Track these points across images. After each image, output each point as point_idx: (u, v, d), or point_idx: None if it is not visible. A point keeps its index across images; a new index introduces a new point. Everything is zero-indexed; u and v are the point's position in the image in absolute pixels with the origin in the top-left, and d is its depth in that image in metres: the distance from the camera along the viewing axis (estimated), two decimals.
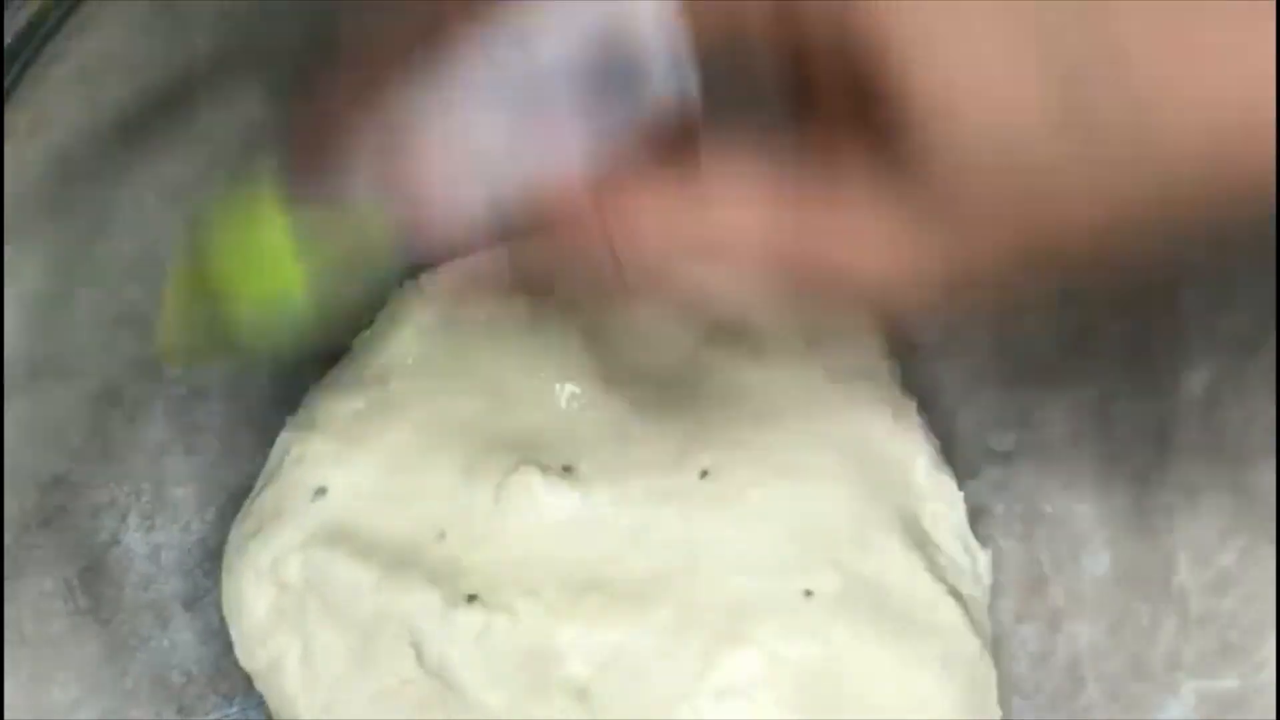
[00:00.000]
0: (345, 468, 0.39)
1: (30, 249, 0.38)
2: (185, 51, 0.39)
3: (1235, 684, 0.36)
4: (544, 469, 0.38)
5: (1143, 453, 0.39)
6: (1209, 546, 0.38)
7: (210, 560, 0.41)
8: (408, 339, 0.41)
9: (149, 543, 0.40)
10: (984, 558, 0.41)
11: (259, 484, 0.41)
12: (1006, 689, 0.40)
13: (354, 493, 0.39)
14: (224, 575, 0.40)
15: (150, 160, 0.40)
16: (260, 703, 0.39)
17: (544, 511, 0.38)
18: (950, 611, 0.38)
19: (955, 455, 0.42)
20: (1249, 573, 0.37)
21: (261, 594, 0.38)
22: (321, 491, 0.39)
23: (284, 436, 0.42)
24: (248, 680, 0.39)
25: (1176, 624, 0.38)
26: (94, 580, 0.39)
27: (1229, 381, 0.38)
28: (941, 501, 0.41)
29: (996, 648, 0.40)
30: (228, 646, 0.39)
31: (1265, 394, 0.37)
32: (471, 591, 0.38)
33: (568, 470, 0.39)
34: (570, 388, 0.40)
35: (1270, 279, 0.37)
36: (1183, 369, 0.39)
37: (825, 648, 0.37)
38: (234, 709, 0.40)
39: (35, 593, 0.38)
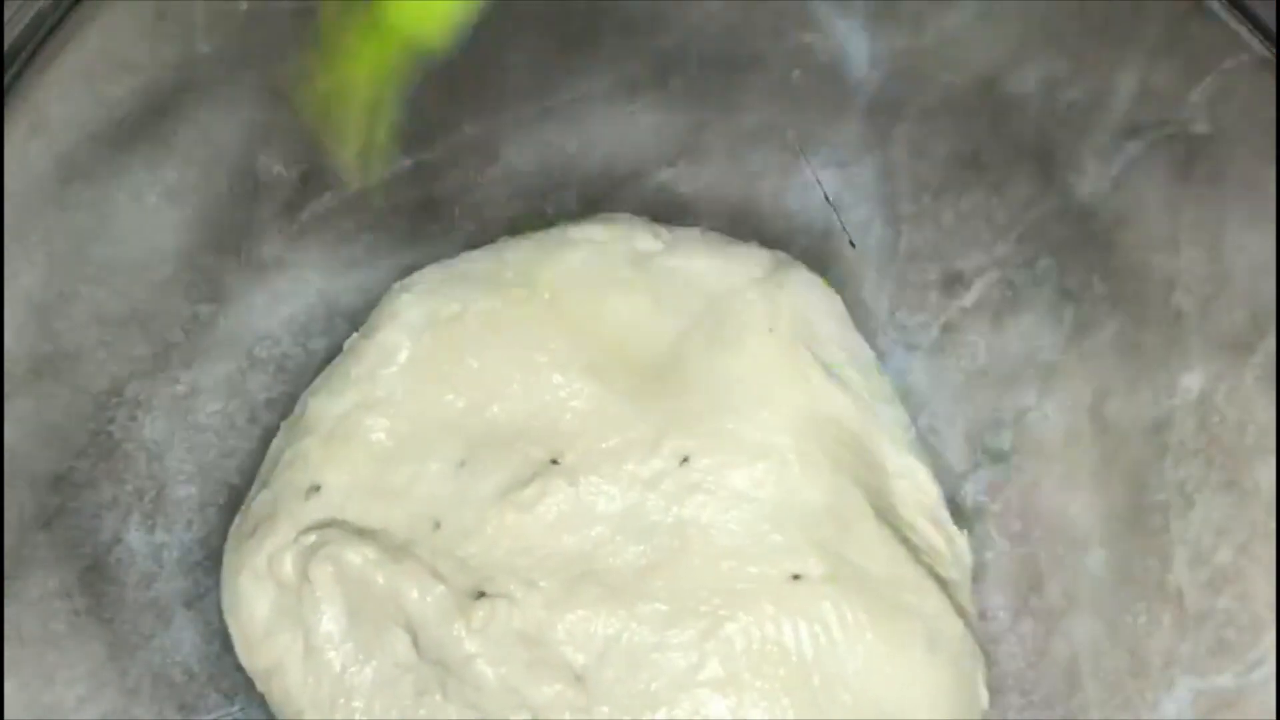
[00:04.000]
0: (337, 465, 0.40)
1: (31, 249, 0.38)
2: (185, 51, 0.39)
3: (1231, 681, 0.36)
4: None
5: (1139, 452, 0.40)
6: (1205, 545, 0.38)
7: (211, 559, 0.41)
8: (397, 338, 0.41)
9: (150, 542, 0.40)
10: (961, 540, 0.41)
11: (253, 489, 0.41)
12: (1004, 687, 0.40)
13: (347, 489, 0.39)
14: (223, 579, 0.40)
15: (150, 160, 0.40)
16: (263, 701, 0.39)
17: (547, 508, 0.39)
18: (931, 593, 0.39)
19: (953, 454, 0.43)
20: (1245, 571, 0.37)
21: (261, 594, 0.39)
22: (315, 489, 0.39)
23: (277, 441, 0.42)
24: (249, 679, 0.39)
25: (1173, 622, 0.38)
26: (95, 579, 0.39)
27: (1225, 382, 0.38)
28: (912, 484, 0.41)
29: (994, 646, 0.40)
30: (229, 645, 0.39)
31: (1260, 394, 0.38)
32: (469, 580, 0.38)
33: (554, 463, 0.39)
34: (555, 378, 0.40)
35: (1266, 279, 0.37)
36: (1179, 369, 0.39)
37: (816, 631, 0.38)
38: (235, 708, 0.40)
39: (37, 592, 0.38)
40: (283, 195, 0.42)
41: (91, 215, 0.39)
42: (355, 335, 0.42)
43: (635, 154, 0.44)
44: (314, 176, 0.42)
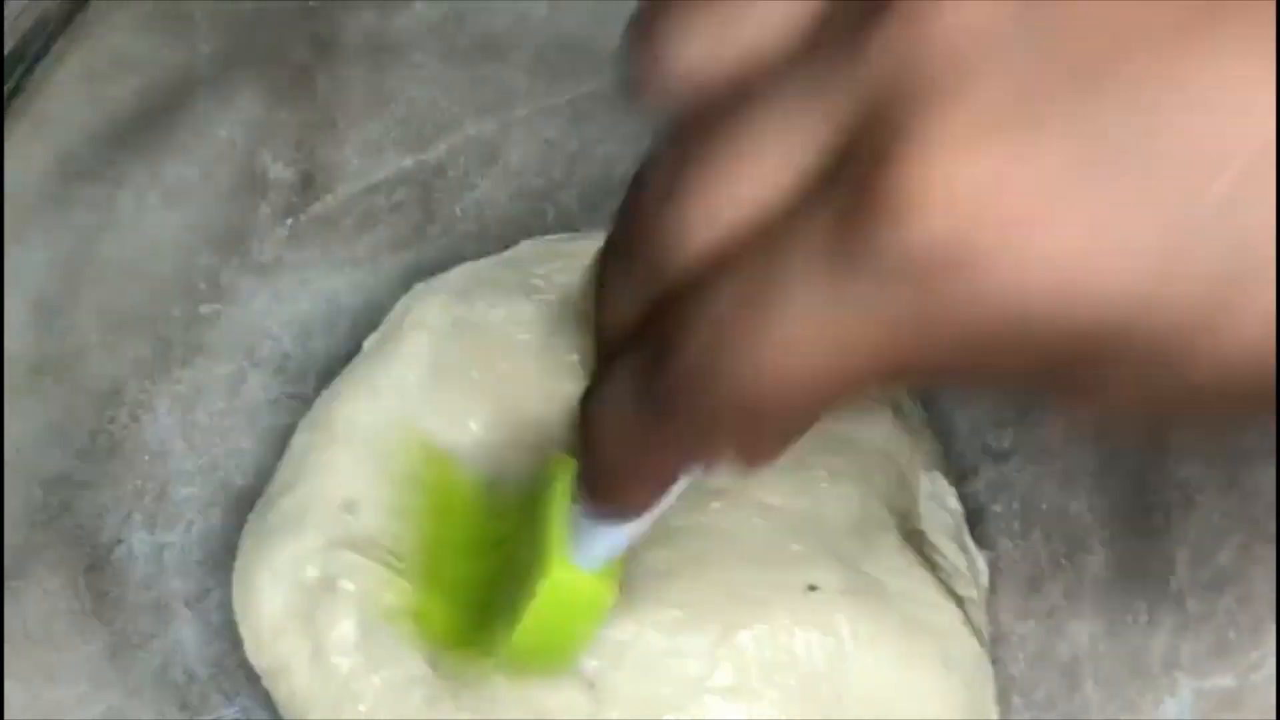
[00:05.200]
0: (372, 483, 0.40)
1: (32, 248, 0.38)
2: (187, 52, 0.39)
3: (1233, 683, 0.36)
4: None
5: (1140, 452, 0.40)
6: (1206, 545, 0.38)
7: (214, 559, 0.41)
8: (422, 343, 0.41)
9: (152, 542, 0.40)
10: (981, 560, 0.41)
11: (274, 486, 0.41)
12: (1004, 688, 0.40)
13: (380, 508, 0.39)
14: (236, 573, 0.40)
15: (151, 160, 0.40)
16: (264, 702, 0.39)
17: None
18: (948, 612, 0.39)
19: (954, 454, 0.43)
20: (1246, 571, 0.37)
21: (277, 593, 0.38)
22: (350, 505, 0.39)
23: (302, 439, 0.41)
24: (251, 679, 0.39)
25: (1174, 623, 0.38)
26: (97, 579, 0.39)
27: None
28: (938, 503, 0.41)
29: (995, 646, 0.40)
30: (232, 645, 0.39)
31: None
32: None
33: None
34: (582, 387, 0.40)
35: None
36: None
37: (829, 643, 0.37)
38: (236, 708, 0.40)
39: (38, 592, 0.38)
40: (283, 195, 0.42)
41: (92, 215, 0.39)
42: (374, 336, 0.42)
43: (635, 154, 0.43)
44: (314, 176, 0.42)
